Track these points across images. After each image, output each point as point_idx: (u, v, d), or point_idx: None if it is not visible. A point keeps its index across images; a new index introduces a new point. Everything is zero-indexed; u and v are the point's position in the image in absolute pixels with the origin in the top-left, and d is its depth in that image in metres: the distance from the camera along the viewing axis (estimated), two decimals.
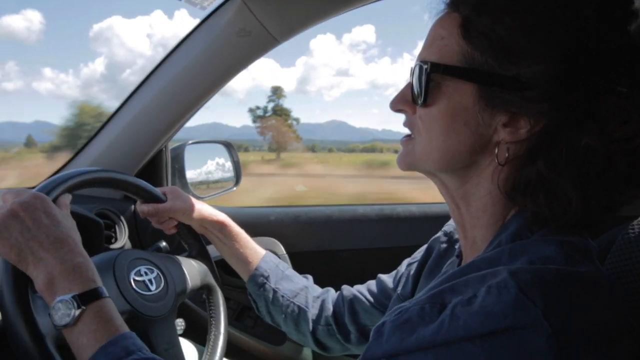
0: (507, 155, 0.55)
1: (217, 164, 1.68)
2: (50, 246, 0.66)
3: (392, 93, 0.66)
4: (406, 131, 0.66)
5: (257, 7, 1.07)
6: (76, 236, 0.71)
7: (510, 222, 0.57)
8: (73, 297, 0.63)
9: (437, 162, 0.60)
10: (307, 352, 1.45)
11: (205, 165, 1.65)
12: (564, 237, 0.53)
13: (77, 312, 0.63)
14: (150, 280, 0.90)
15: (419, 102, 0.60)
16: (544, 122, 0.53)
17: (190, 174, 1.52)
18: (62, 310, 0.63)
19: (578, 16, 0.51)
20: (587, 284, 0.48)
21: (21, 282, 0.66)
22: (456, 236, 0.81)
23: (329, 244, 1.45)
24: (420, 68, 0.58)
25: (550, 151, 0.53)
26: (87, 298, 0.64)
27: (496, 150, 0.56)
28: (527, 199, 0.55)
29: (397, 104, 0.65)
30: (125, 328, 0.66)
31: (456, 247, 0.77)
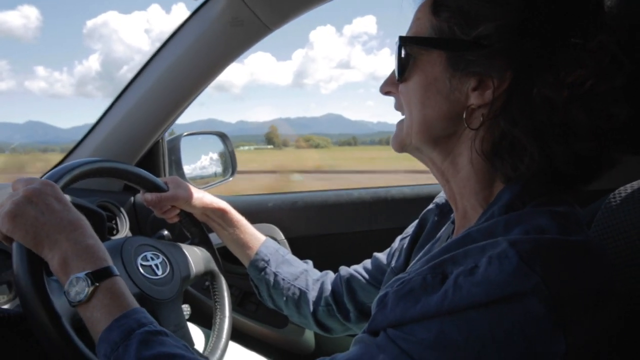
0: (481, 119, 0.58)
1: (211, 158, 1.70)
2: (64, 229, 0.69)
3: None
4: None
5: None
6: (86, 220, 0.74)
7: (503, 194, 0.59)
8: (87, 274, 0.66)
9: (418, 134, 0.63)
10: (309, 334, 1.49)
11: (199, 161, 1.66)
12: (554, 208, 0.55)
13: (91, 288, 0.65)
14: (156, 265, 0.92)
15: (397, 78, 0.64)
16: (507, 82, 0.55)
17: (185, 170, 1.54)
18: (77, 287, 0.65)
19: None
20: (580, 251, 0.50)
21: (37, 265, 0.68)
22: (448, 207, 0.83)
23: (326, 228, 1.48)
24: (396, 45, 0.63)
25: (509, 107, 0.55)
26: (100, 275, 0.67)
27: (464, 115, 0.59)
28: (497, 159, 0.58)
29: (385, 86, 0.69)
30: (136, 304, 0.69)
31: (451, 215, 0.78)
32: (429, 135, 0.63)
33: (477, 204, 0.62)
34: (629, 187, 0.70)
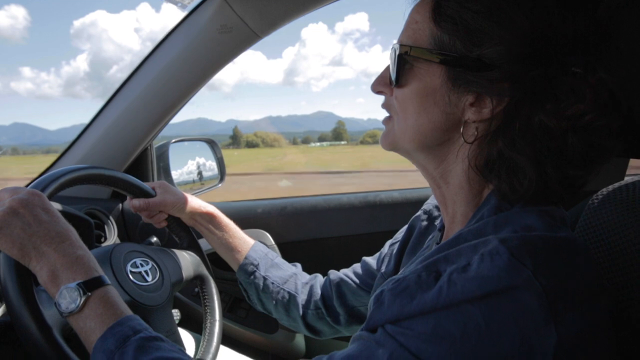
0: (475, 134, 0.58)
1: (198, 163, 1.70)
2: (52, 241, 0.68)
3: None
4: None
5: (237, 4, 1.10)
6: (74, 231, 0.73)
7: (491, 197, 0.60)
8: (78, 284, 0.65)
9: (412, 140, 0.63)
10: (299, 339, 1.49)
11: (185, 166, 1.66)
12: (541, 207, 0.57)
13: (83, 298, 0.65)
14: (146, 272, 0.92)
15: (394, 83, 0.64)
16: (506, 102, 0.56)
17: (173, 175, 1.54)
18: (68, 297, 0.65)
19: (537, 0, 0.54)
20: (568, 247, 0.52)
21: (25, 277, 0.67)
22: (435, 213, 0.85)
23: (315, 233, 1.49)
24: (395, 51, 0.62)
25: (508, 129, 0.56)
26: (92, 285, 0.66)
27: (461, 129, 0.60)
28: (492, 176, 0.58)
29: (377, 86, 0.69)
30: (129, 311, 0.68)
31: (436, 223, 0.81)
32: (422, 143, 0.63)
33: (467, 209, 0.64)
34: (610, 188, 0.72)
